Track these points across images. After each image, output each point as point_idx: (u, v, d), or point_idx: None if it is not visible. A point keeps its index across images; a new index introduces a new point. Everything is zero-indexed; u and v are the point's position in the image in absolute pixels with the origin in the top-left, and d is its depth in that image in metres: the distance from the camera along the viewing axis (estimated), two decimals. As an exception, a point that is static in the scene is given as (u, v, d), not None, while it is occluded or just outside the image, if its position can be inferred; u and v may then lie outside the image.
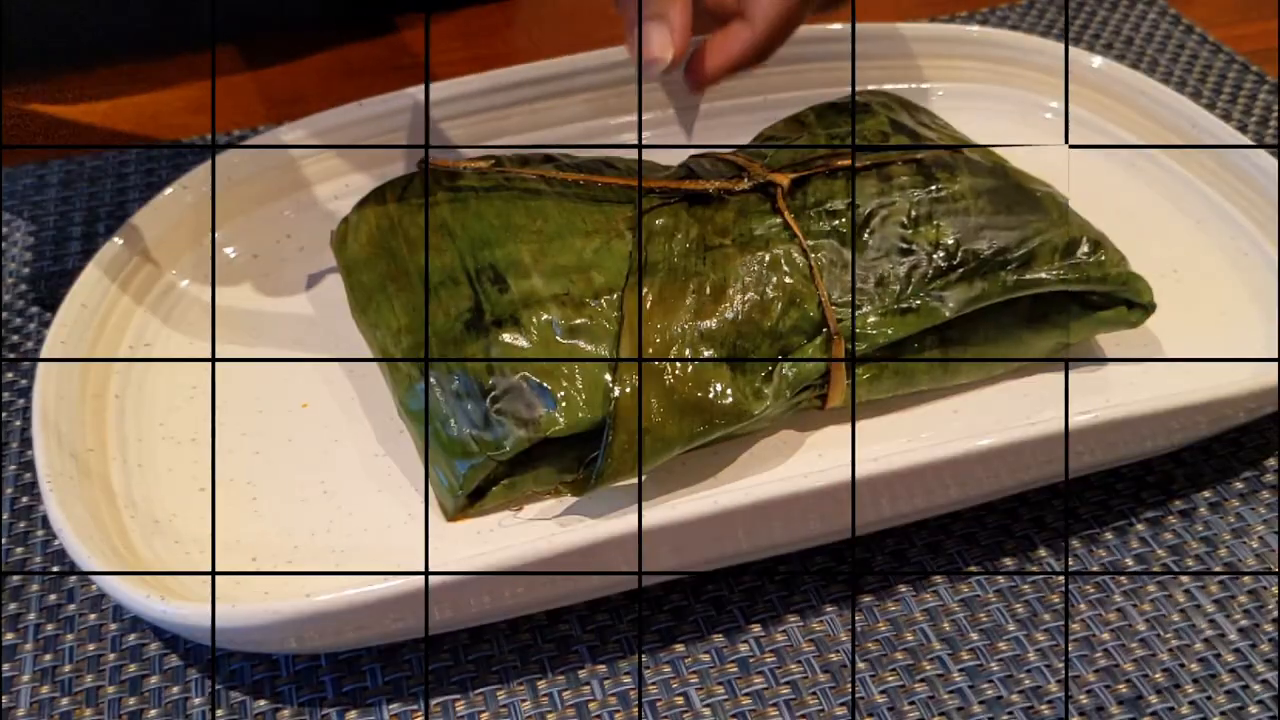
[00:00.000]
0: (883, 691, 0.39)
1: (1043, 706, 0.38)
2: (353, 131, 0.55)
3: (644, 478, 0.43)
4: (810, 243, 0.44)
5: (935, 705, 0.38)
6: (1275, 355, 0.48)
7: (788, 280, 0.44)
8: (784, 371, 0.43)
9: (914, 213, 0.45)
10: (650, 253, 0.44)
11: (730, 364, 0.42)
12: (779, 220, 0.45)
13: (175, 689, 0.39)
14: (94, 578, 0.37)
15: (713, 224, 0.45)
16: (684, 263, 0.44)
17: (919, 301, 0.44)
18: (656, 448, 0.41)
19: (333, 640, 0.38)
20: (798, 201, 0.46)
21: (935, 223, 0.45)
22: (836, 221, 0.45)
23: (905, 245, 0.45)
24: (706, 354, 0.42)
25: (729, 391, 0.42)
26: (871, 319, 0.44)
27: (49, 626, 0.41)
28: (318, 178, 0.55)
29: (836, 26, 0.59)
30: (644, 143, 0.58)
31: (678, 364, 0.42)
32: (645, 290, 0.43)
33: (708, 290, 0.43)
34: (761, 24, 0.45)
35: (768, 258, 0.44)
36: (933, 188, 0.46)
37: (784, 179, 0.46)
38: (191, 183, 0.52)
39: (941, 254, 0.45)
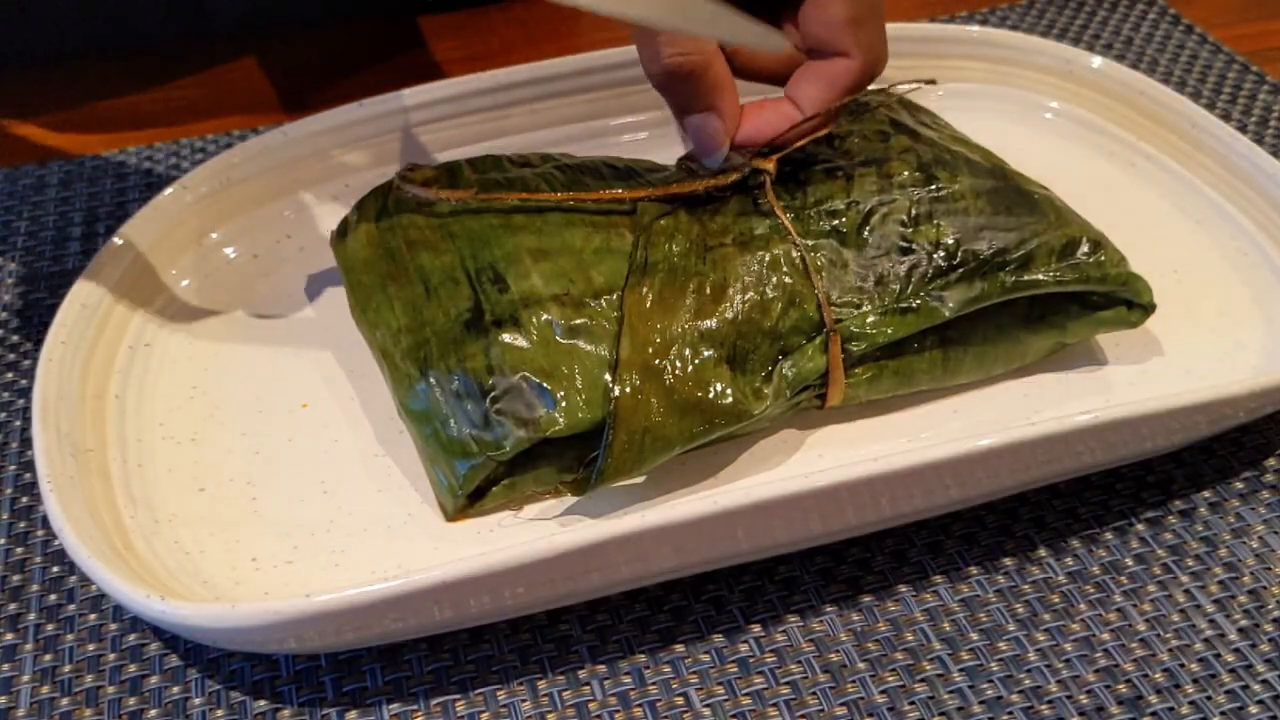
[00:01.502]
0: (883, 691, 0.39)
1: (1043, 706, 0.38)
2: (353, 131, 0.55)
3: (643, 478, 0.43)
4: (810, 242, 0.45)
5: (935, 705, 0.38)
6: (1275, 355, 0.48)
7: (787, 280, 0.44)
8: (784, 371, 0.43)
9: (914, 211, 0.45)
10: (650, 253, 0.44)
11: (730, 364, 0.42)
12: (777, 219, 0.45)
13: (175, 689, 0.39)
14: (94, 578, 0.37)
15: (713, 224, 0.45)
16: (684, 263, 0.44)
17: (919, 301, 0.44)
18: (656, 447, 0.41)
19: (333, 640, 0.38)
20: (797, 201, 0.46)
21: (935, 222, 0.45)
22: (836, 221, 0.45)
23: (905, 244, 0.45)
24: (706, 354, 0.42)
25: (729, 391, 0.42)
26: (871, 318, 0.44)
27: (49, 626, 0.41)
28: (318, 178, 0.55)
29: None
30: (644, 143, 0.58)
31: (678, 363, 0.42)
32: (645, 290, 0.43)
33: (707, 290, 0.43)
34: (809, 108, 0.46)
35: (767, 257, 0.44)
36: (933, 187, 0.46)
37: (769, 163, 0.45)
38: (191, 183, 0.52)
39: (942, 254, 0.45)
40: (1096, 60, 0.59)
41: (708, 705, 0.38)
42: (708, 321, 0.43)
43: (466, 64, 0.67)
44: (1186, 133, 0.56)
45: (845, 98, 0.45)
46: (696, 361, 0.42)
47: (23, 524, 0.44)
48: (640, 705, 0.38)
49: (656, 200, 0.46)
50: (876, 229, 0.45)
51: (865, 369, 0.44)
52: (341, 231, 0.48)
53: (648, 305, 0.43)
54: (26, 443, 0.47)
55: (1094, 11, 0.71)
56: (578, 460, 0.42)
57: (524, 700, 0.39)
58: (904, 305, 0.44)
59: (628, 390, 0.41)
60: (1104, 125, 0.59)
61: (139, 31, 0.68)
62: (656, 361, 0.41)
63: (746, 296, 0.43)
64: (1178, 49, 0.68)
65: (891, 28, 0.60)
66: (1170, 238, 0.54)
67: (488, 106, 0.56)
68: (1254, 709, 0.38)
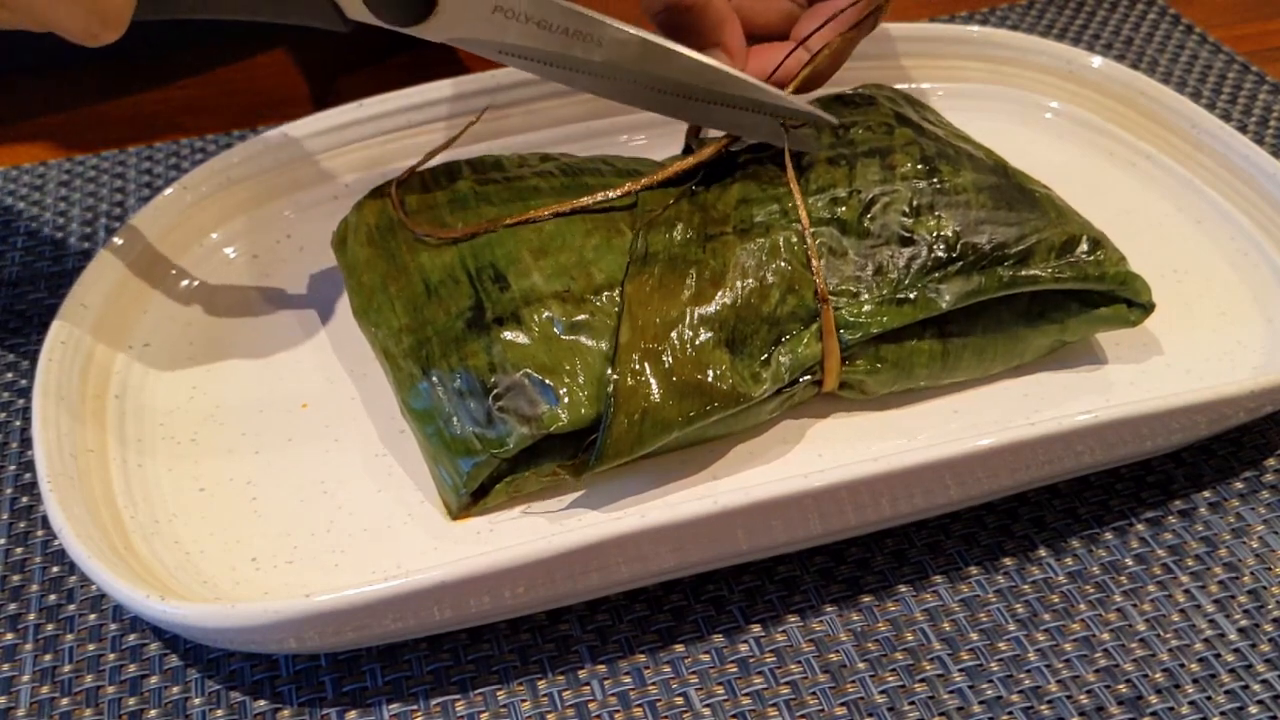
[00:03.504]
0: (882, 692, 0.39)
1: (1043, 706, 0.38)
2: (353, 131, 0.55)
3: (644, 475, 0.43)
4: (810, 230, 0.45)
5: (935, 705, 0.38)
6: (1275, 355, 0.48)
7: (786, 267, 0.44)
8: (780, 357, 0.43)
9: (916, 203, 0.45)
10: (651, 243, 0.44)
11: (729, 348, 0.42)
12: (776, 207, 0.45)
13: (175, 689, 0.39)
14: (94, 578, 0.37)
15: (714, 212, 0.45)
16: (684, 251, 0.44)
17: (916, 293, 0.44)
18: (655, 429, 0.41)
19: (333, 640, 0.38)
20: (799, 187, 0.46)
21: (937, 214, 0.45)
22: (839, 209, 0.45)
23: (906, 234, 0.45)
24: (705, 336, 0.42)
25: (728, 374, 0.42)
26: (867, 307, 0.44)
27: (49, 626, 0.41)
28: (318, 178, 0.55)
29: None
30: (644, 143, 0.58)
31: (677, 346, 0.42)
32: (646, 278, 0.43)
33: (707, 277, 0.43)
34: (817, 44, 0.47)
35: (767, 244, 0.44)
36: (935, 180, 0.46)
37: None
38: (191, 183, 0.52)
39: (941, 246, 0.45)
40: (1096, 60, 0.59)
41: (708, 705, 0.38)
42: (707, 306, 0.43)
43: (467, 63, 0.67)
44: (1186, 133, 0.56)
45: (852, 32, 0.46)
46: (696, 344, 0.42)
47: (23, 524, 0.44)
48: (640, 705, 0.38)
49: (662, 185, 0.46)
50: (878, 218, 0.45)
51: (864, 361, 0.44)
52: (342, 232, 0.48)
53: (648, 291, 0.43)
54: (26, 443, 0.47)
55: (1094, 11, 0.71)
56: (579, 454, 0.42)
57: (524, 700, 0.39)
58: (901, 296, 0.44)
59: (627, 372, 0.41)
60: (1104, 125, 0.59)
61: (140, 34, 0.68)
62: (656, 344, 0.42)
63: (746, 282, 0.43)
64: (1178, 49, 0.68)
65: (893, 28, 0.60)
66: (1170, 238, 0.54)
67: (488, 106, 0.56)
68: (1254, 709, 0.38)
